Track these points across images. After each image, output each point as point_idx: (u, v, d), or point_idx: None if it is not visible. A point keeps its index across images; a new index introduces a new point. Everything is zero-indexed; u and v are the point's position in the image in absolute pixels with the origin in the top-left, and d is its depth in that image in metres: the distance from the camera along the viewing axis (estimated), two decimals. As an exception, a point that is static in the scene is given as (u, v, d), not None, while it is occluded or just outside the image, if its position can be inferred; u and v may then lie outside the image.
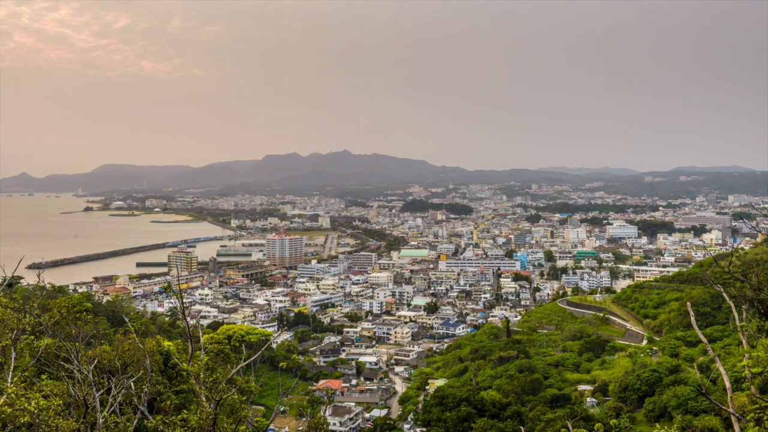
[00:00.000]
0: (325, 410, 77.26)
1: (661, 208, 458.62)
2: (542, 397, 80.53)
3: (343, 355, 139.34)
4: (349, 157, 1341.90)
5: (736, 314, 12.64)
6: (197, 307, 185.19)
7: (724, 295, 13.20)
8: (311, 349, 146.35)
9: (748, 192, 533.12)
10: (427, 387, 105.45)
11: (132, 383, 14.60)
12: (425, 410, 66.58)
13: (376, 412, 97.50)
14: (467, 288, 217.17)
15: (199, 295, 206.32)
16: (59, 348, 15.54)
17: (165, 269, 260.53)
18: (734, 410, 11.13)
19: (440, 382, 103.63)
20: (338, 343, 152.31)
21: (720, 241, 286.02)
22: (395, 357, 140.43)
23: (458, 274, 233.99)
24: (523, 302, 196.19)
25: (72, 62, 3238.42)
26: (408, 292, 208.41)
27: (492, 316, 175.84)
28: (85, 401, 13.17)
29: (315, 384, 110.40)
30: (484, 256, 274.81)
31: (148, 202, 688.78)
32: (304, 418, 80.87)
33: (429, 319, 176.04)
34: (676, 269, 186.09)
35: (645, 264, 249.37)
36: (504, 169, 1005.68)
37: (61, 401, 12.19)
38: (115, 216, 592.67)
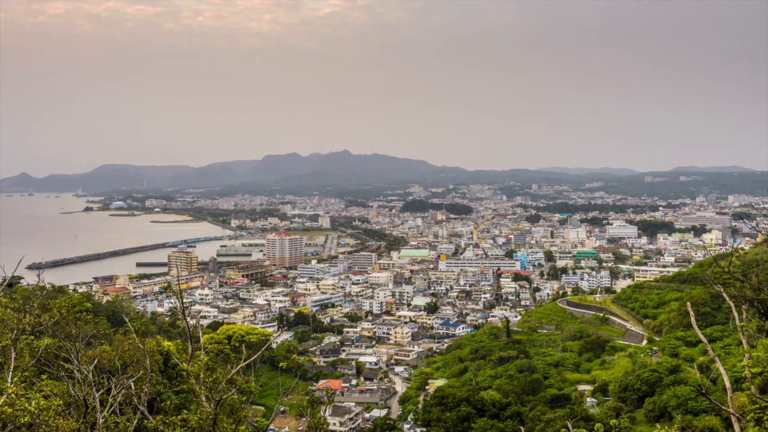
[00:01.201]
0: (325, 410, 77.15)
1: (661, 208, 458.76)
2: (542, 397, 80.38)
3: (343, 355, 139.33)
4: (349, 157, 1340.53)
5: (736, 314, 12.64)
6: (197, 307, 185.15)
7: (724, 295, 13.21)
8: (311, 349, 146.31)
9: (748, 192, 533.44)
10: (427, 387, 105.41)
11: (132, 383, 14.60)
12: (425, 410, 66.60)
13: (376, 412, 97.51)
14: (467, 288, 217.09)
15: (199, 295, 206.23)
16: (59, 348, 15.54)
17: (165, 269, 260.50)
18: (734, 410, 11.13)
19: (440, 382, 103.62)
20: (338, 343, 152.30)
21: (720, 241, 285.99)
22: (395, 357, 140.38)
23: (458, 274, 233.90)
24: (523, 302, 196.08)
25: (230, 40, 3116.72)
26: (408, 292, 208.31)
27: (492, 316, 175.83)
28: (85, 401, 13.17)
29: (315, 384, 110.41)
30: (484, 256, 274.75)
31: (148, 202, 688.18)
32: (304, 418, 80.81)
33: (429, 319, 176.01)
34: (676, 269, 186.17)
35: (645, 264, 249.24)
36: (504, 169, 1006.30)
37: (61, 401, 12.19)
38: (115, 216, 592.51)
